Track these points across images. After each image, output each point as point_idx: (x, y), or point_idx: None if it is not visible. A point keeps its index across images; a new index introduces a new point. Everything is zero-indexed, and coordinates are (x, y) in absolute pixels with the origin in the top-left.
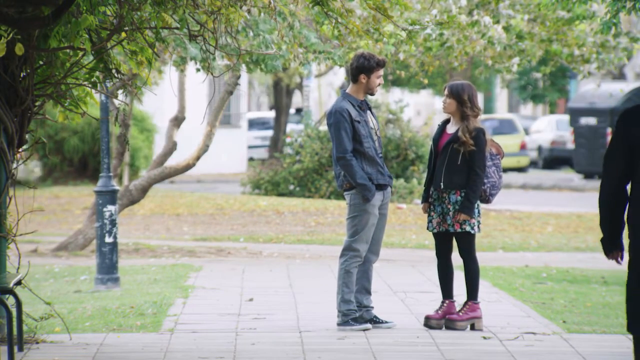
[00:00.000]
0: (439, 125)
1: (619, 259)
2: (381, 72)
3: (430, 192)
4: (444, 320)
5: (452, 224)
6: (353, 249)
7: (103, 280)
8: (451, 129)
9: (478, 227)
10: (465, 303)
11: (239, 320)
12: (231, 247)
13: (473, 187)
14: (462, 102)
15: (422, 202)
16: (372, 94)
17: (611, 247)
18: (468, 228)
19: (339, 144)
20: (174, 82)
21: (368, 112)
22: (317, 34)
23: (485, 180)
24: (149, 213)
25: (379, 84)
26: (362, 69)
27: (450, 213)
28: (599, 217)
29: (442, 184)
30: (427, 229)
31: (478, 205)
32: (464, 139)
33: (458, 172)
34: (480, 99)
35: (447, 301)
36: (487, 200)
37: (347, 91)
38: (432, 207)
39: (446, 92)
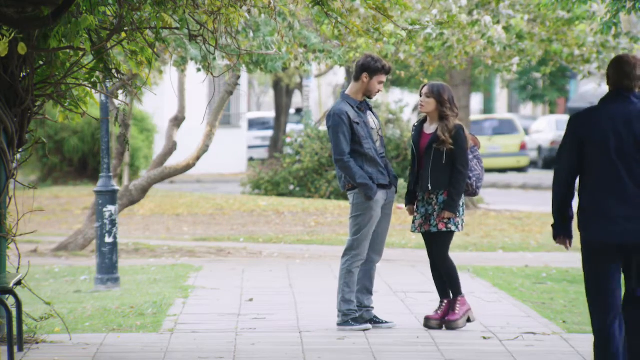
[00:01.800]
0: (414, 125)
1: (568, 244)
2: (384, 77)
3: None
4: (443, 320)
5: (436, 224)
6: (355, 248)
7: (103, 280)
8: (429, 129)
9: (462, 225)
10: (455, 301)
11: (239, 320)
12: (231, 247)
13: (456, 185)
14: (442, 102)
15: (406, 205)
16: (369, 97)
17: (560, 231)
18: (453, 227)
19: (336, 147)
20: (174, 82)
21: (369, 112)
22: (318, 34)
23: (471, 174)
24: (149, 213)
25: (379, 90)
26: (366, 67)
27: (435, 214)
28: (552, 206)
29: (429, 185)
30: (410, 230)
31: (463, 203)
32: (444, 138)
33: (443, 172)
34: (480, 99)
35: (445, 301)
36: (474, 193)
37: (346, 92)
38: (416, 208)
39: (425, 91)
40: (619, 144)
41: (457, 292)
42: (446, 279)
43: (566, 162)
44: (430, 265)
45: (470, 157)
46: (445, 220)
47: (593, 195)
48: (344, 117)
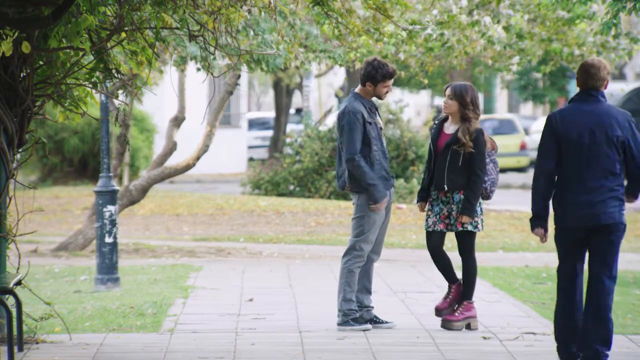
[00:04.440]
0: (434, 123)
1: (543, 238)
2: (389, 82)
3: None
4: (467, 320)
5: (455, 223)
6: (358, 248)
7: (103, 280)
8: (449, 128)
9: (481, 225)
10: (461, 303)
11: (239, 320)
12: (231, 247)
13: (473, 188)
14: (464, 104)
15: (418, 201)
16: (380, 99)
17: (537, 223)
18: (470, 227)
19: (349, 145)
20: (174, 82)
21: (376, 113)
22: (318, 32)
23: (486, 178)
24: (149, 213)
25: (387, 92)
26: (368, 77)
27: (454, 213)
28: (531, 199)
29: (446, 186)
30: (425, 227)
31: (480, 203)
32: (464, 141)
33: (460, 173)
34: (480, 99)
35: (453, 286)
36: (487, 197)
37: (356, 91)
38: (430, 206)
39: (449, 92)
40: (592, 140)
41: (468, 296)
42: (464, 278)
43: (546, 159)
44: (432, 257)
45: (487, 160)
46: (463, 223)
47: (566, 185)
48: (359, 115)
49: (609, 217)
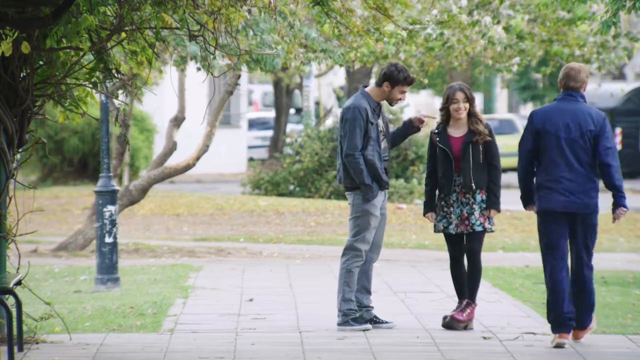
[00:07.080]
0: (436, 132)
1: (534, 210)
2: (406, 88)
3: (444, 196)
4: (469, 321)
5: (480, 223)
6: (355, 248)
7: (103, 280)
8: (457, 132)
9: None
10: (469, 304)
11: (239, 320)
12: (231, 247)
13: (496, 182)
14: (472, 102)
15: (426, 213)
16: (390, 105)
17: (527, 202)
18: (493, 227)
19: (350, 140)
20: (174, 82)
21: (380, 115)
22: (318, 32)
23: None
24: (149, 213)
25: (400, 99)
26: (389, 77)
27: (476, 213)
28: (518, 183)
29: (473, 184)
30: (444, 230)
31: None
32: (481, 129)
33: (482, 170)
34: (480, 99)
35: (465, 301)
36: None
37: (367, 89)
38: (451, 208)
39: (462, 97)
40: (567, 134)
41: (474, 297)
42: (471, 279)
43: (526, 148)
44: (452, 266)
45: None
46: (490, 217)
47: (546, 174)
48: (362, 112)
49: (589, 205)
